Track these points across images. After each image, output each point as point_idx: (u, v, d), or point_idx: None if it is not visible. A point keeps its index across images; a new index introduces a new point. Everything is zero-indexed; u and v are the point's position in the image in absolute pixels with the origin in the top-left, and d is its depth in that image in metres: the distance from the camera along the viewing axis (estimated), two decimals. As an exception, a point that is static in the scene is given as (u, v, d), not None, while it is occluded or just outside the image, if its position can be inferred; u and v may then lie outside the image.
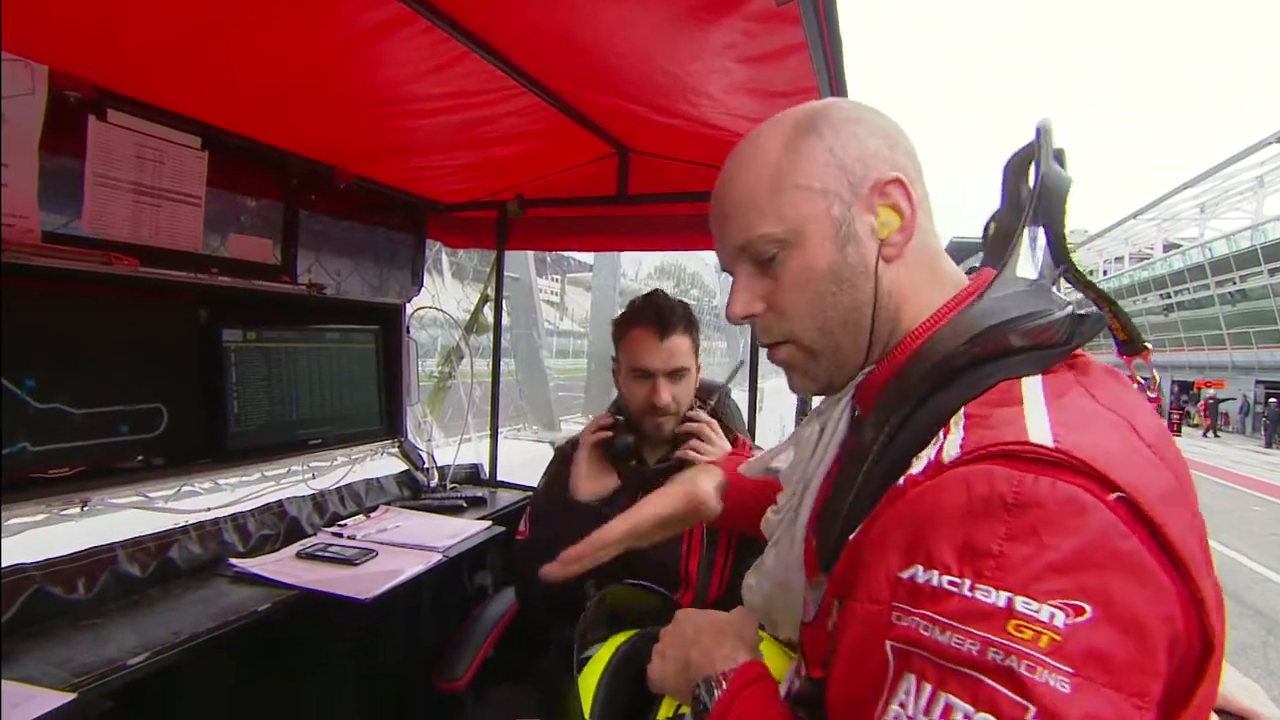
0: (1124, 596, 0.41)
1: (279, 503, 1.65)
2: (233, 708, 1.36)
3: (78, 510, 1.26)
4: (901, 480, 0.50)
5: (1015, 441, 0.45)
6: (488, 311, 2.20)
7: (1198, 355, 27.21)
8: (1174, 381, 28.09)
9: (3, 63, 1.11)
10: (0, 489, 1.14)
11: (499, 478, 2.24)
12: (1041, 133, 0.61)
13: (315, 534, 1.65)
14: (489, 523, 1.78)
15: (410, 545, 1.58)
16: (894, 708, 0.44)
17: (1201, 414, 24.18)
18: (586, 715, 0.89)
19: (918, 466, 0.49)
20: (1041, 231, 0.59)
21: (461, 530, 1.70)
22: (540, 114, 1.56)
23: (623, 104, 1.49)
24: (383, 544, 1.58)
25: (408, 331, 2.07)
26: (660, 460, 1.43)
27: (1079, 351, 0.56)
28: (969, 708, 0.41)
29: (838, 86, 1.05)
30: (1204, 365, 26.76)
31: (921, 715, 0.43)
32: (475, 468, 2.26)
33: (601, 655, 0.99)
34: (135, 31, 1.11)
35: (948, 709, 0.42)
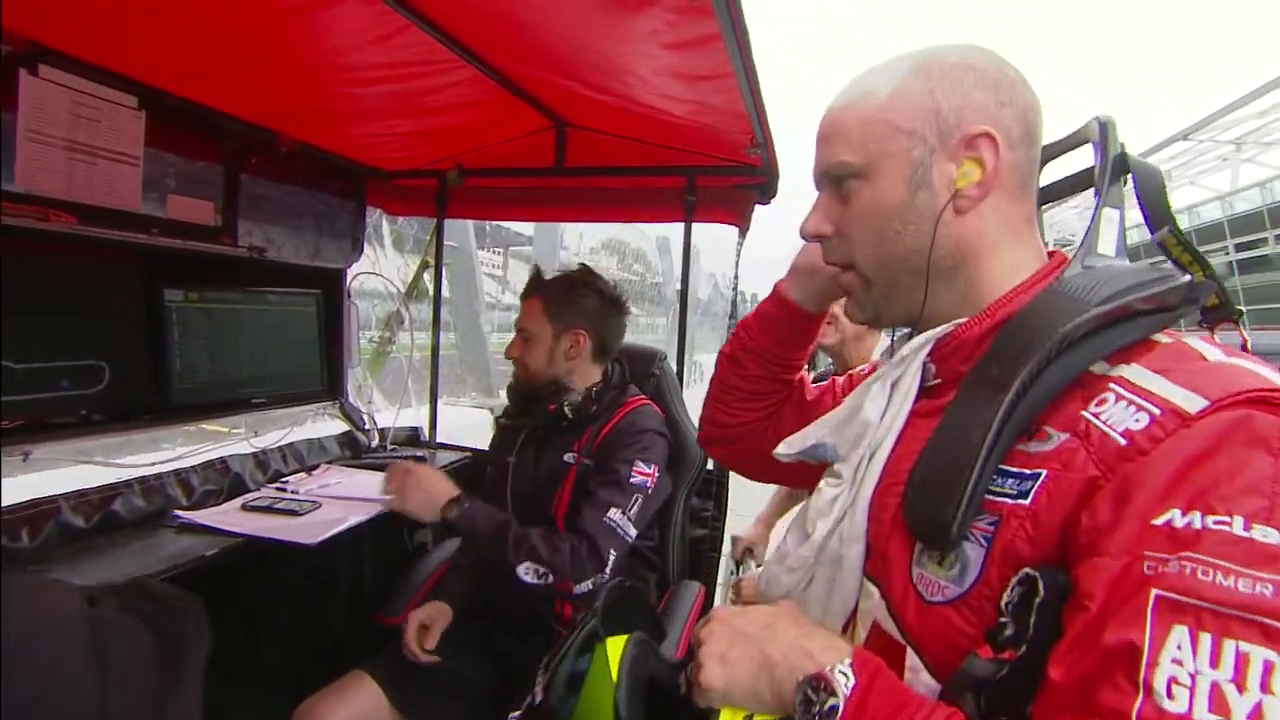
0: None
1: (222, 459, 1.69)
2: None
3: (21, 460, 1.29)
4: (1121, 438, 0.48)
5: (1267, 388, 0.46)
6: (427, 278, 2.26)
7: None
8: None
9: (-65, 15, 1.12)
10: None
11: (439, 440, 2.32)
12: (1108, 127, 0.64)
13: (258, 489, 1.71)
14: (430, 479, 1.86)
15: (352, 498, 1.65)
16: (1167, 665, 0.40)
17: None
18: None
19: (1135, 423, 0.48)
20: (1116, 213, 0.61)
21: (403, 485, 1.78)
22: (480, 86, 1.62)
23: (559, 80, 1.56)
24: (326, 497, 1.65)
25: (348, 296, 2.11)
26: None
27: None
28: (1269, 651, 0.39)
29: (750, 72, 1.16)
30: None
31: (1208, 668, 0.39)
32: (415, 430, 2.32)
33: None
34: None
35: (1242, 657, 0.39)
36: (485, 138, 2.00)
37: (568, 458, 1.48)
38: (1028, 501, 0.52)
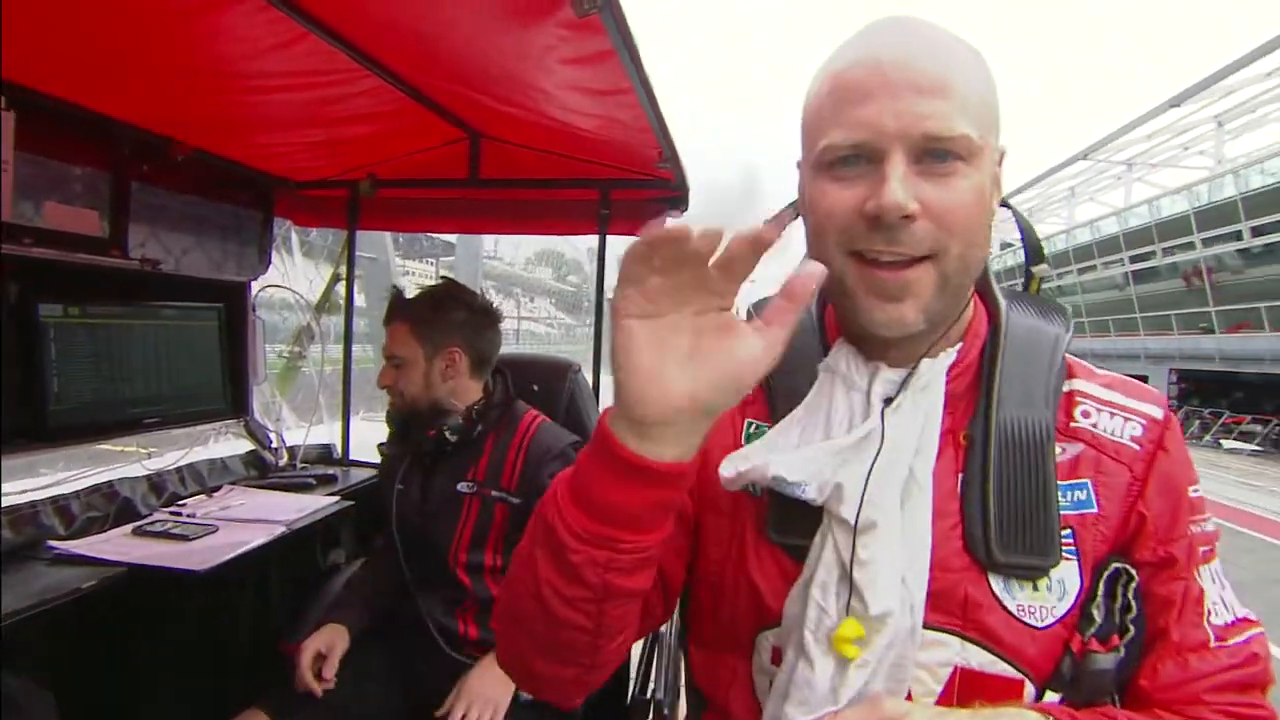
0: None
1: (109, 483, 1.59)
2: (61, 687, 1.32)
3: None
4: (1133, 444, 0.61)
5: (1159, 395, 0.64)
6: (340, 291, 2.19)
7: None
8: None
9: None
10: None
11: (352, 457, 2.24)
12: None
13: (150, 514, 1.61)
14: (338, 498, 1.80)
15: (252, 520, 1.58)
16: (1210, 596, 0.60)
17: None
18: None
19: (1133, 430, 0.61)
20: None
21: (308, 505, 1.71)
22: (388, 96, 1.59)
23: (467, 91, 1.55)
24: (224, 520, 1.57)
25: (253, 310, 2.03)
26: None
27: None
28: (1216, 561, 0.61)
29: (647, 87, 1.19)
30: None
31: (1223, 587, 0.61)
32: (327, 447, 2.24)
33: None
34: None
35: (1216, 571, 0.61)
36: (397, 148, 1.96)
37: (462, 487, 1.42)
38: (1094, 510, 0.59)
